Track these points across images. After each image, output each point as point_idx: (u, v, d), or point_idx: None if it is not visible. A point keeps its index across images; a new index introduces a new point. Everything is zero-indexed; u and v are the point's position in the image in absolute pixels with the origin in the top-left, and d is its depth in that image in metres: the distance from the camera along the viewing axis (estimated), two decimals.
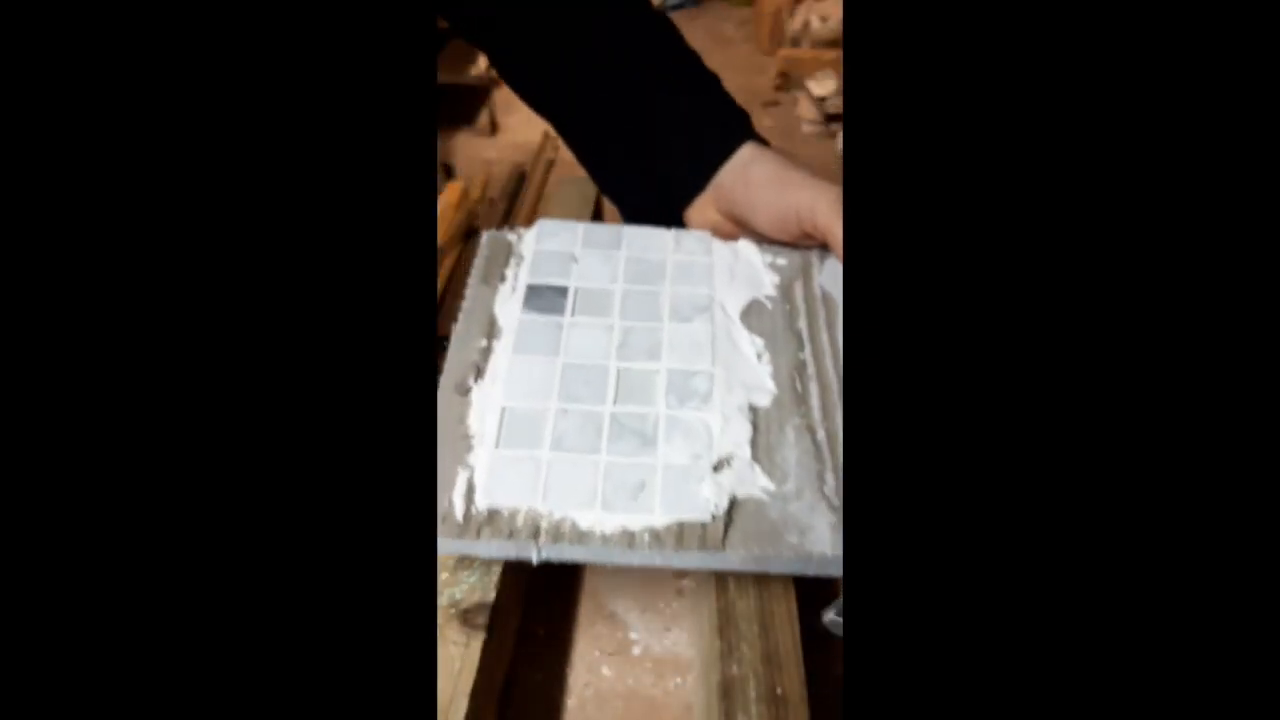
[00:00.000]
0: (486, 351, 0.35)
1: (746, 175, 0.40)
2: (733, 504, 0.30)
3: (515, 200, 1.53)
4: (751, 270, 0.39)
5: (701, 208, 0.43)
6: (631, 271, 0.38)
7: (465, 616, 0.31)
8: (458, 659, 0.30)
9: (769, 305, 0.38)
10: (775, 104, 1.22)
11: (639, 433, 0.32)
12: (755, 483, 0.31)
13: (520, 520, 0.29)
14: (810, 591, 0.33)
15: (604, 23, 0.44)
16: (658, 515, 0.29)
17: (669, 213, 0.44)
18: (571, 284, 0.37)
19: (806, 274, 0.39)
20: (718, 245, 0.40)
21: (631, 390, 0.33)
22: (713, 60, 0.45)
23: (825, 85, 1.13)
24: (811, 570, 0.30)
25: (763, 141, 0.42)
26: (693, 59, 0.45)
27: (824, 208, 0.37)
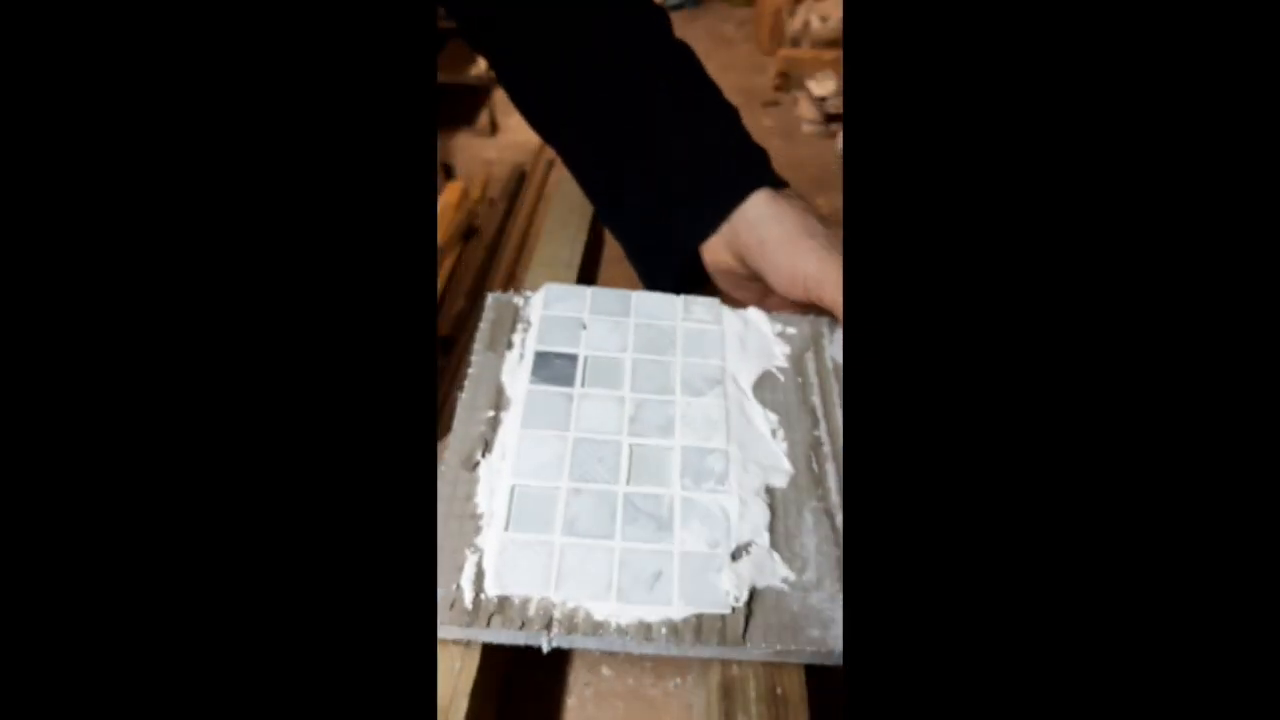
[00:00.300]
0: (494, 423, 0.34)
1: (760, 232, 0.38)
2: (752, 595, 0.29)
3: (515, 200, 1.51)
4: (762, 340, 0.38)
5: (715, 248, 0.41)
6: (641, 340, 0.37)
7: None
8: (458, 659, 0.29)
9: (781, 378, 0.37)
10: (775, 104, 1.20)
11: (654, 516, 0.31)
12: (775, 573, 0.30)
13: (532, 610, 0.29)
14: None
15: (616, 46, 0.42)
16: (676, 608, 0.29)
17: (676, 253, 0.42)
18: (581, 352, 0.36)
19: (817, 344, 0.38)
20: (727, 313, 0.39)
21: (645, 468, 0.32)
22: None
23: (825, 85, 1.12)
24: (833, 662, 0.29)
25: (780, 182, 0.40)
26: (711, 89, 0.43)
27: (832, 281, 0.36)
